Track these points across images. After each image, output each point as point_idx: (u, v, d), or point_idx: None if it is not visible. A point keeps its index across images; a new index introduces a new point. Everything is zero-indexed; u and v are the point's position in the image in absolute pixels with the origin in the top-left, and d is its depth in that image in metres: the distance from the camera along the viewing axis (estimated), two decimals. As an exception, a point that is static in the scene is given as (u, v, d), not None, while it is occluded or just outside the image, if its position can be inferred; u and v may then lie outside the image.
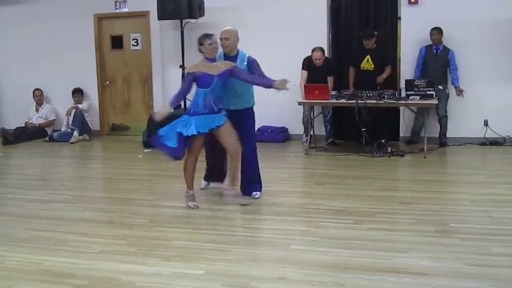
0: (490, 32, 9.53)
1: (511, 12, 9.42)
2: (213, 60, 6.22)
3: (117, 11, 11.52)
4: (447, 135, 9.75)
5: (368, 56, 9.54)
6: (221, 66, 6.23)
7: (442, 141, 9.64)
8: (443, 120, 9.63)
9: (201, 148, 6.33)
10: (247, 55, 6.60)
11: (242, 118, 6.54)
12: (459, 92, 9.43)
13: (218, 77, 6.12)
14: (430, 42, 9.61)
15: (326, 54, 9.73)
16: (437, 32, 9.52)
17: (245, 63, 6.50)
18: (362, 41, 9.61)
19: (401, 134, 10.17)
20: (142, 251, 4.99)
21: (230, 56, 6.52)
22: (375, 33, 9.51)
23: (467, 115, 9.79)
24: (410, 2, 9.84)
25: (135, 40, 11.64)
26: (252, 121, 6.73)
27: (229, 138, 6.19)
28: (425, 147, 8.90)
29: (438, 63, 9.55)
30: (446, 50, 9.54)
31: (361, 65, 9.62)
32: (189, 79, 6.18)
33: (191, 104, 6.27)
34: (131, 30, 11.63)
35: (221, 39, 6.48)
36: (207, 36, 6.21)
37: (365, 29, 9.77)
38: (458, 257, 4.67)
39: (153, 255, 4.88)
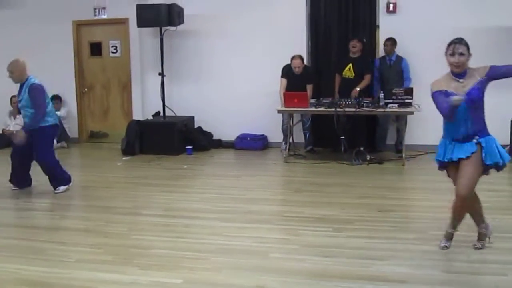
0: (470, 41, 9.58)
1: (491, 21, 9.50)
2: (459, 75, 4.71)
3: (96, 17, 11.45)
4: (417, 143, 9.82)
5: (350, 64, 9.60)
6: (473, 80, 4.70)
7: (399, 149, 9.54)
8: (401, 129, 9.47)
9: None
10: (32, 82, 7.26)
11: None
12: None
13: (468, 95, 4.61)
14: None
15: (305, 62, 9.75)
16: (390, 43, 9.62)
17: (27, 89, 7.21)
18: (345, 49, 9.66)
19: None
20: (120, 259, 4.96)
21: (22, 84, 7.30)
22: (364, 39, 9.60)
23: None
24: (388, 11, 9.89)
25: (114, 47, 11.58)
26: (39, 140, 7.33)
27: (462, 175, 4.76)
28: (404, 155, 8.94)
29: (393, 73, 9.62)
30: (399, 59, 9.64)
31: (343, 73, 9.67)
32: (440, 98, 4.70)
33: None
34: (110, 37, 11.57)
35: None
36: (450, 44, 4.81)
37: (358, 35, 9.81)
38: (437, 265, 4.71)
39: (131, 263, 4.85)
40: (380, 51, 10.04)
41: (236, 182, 8.08)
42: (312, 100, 9.37)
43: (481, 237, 5.10)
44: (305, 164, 9.11)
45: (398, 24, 9.81)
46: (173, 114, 10.70)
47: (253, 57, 10.39)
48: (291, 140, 9.74)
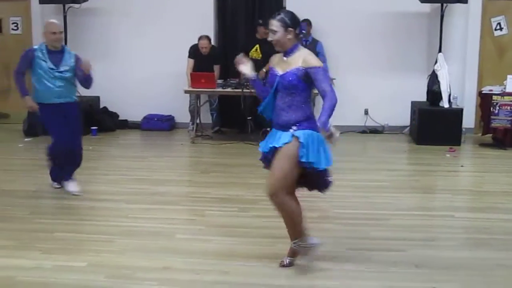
0: (369, 24, 9.87)
1: (388, 6, 9.81)
2: (285, 53, 4.17)
3: (-5, -7, 11.02)
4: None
5: (257, 46, 9.66)
6: (294, 64, 4.10)
7: None
8: None
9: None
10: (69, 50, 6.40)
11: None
12: None
13: (281, 77, 4.12)
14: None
15: (212, 42, 9.75)
16: (306, 23, 9.78)
17: (73, 60, 6.33)
18: (252, 30, 9.70)
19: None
20: (22, 244, 4.84)
21: (58, 50, 6.35)
22: None
23: (348, 104, 10.09)
24: (294, -7, 10.03)
25: (15, 24, 11.18)
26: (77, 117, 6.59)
27: (271, 171, 4.19)
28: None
29: None
30: (315, 42, 9.82)
31: (250, 54, 9.72)
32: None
33: None
34: (11, 13, 11.15)
35: (55, 32, 6.24)
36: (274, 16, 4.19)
37: (264, 19, 9.82)
38: (339, 242, 4.85)
39: (34, 248, 4.74)
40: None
41: (143, 163, 8.02)
42: (219, 81, 9.40)
43: (291, 253, 4.41)
44: (212, 145, 9.15)
45: (304, 5, 9.92)
46: (78, 94, 10.43)
47: (160, 36, 10.27)
48: (198, 121, 9.73)
